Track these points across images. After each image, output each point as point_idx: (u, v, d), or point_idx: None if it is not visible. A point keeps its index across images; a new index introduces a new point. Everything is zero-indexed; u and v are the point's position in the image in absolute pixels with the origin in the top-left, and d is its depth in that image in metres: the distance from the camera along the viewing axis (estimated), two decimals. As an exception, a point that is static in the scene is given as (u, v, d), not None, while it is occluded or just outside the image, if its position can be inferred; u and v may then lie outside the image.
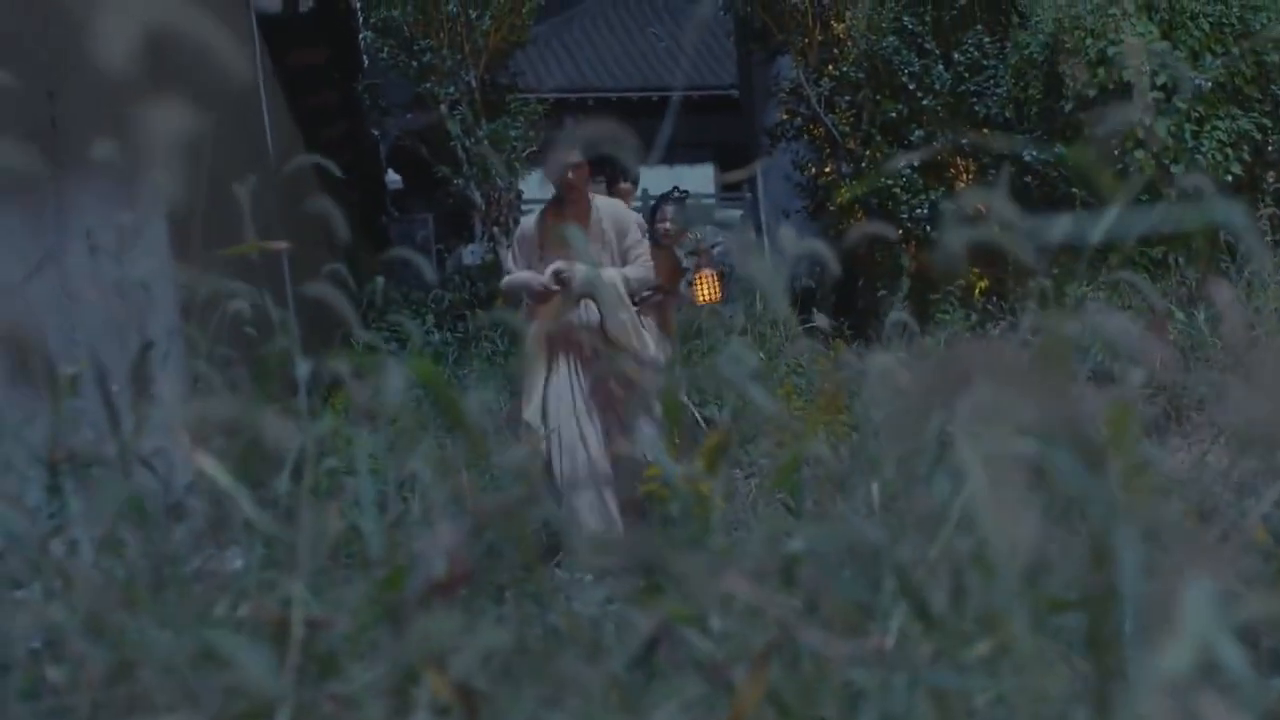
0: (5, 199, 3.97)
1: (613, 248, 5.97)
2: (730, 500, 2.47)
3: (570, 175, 5.82)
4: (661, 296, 6.91)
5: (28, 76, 3.95)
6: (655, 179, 28.46)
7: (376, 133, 14.55)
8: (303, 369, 2.30)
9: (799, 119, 13.29)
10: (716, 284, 8.18)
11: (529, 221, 6.06)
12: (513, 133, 13.19)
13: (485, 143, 12.93)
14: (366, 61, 12.26)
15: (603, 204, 6.07)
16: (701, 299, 8.17)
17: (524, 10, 13.92)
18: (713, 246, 26.07)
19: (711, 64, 28.77)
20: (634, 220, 6.14)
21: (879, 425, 1.60)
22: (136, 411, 2.25)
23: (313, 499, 1.64)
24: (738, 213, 26.90)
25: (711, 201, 30.88)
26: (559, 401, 5.72)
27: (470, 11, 13.25)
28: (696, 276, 7.95)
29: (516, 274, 5.95)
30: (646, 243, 6.14)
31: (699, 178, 30.17)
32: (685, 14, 31.05)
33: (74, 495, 2.06)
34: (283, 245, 2.68)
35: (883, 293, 10.72)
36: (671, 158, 27.13)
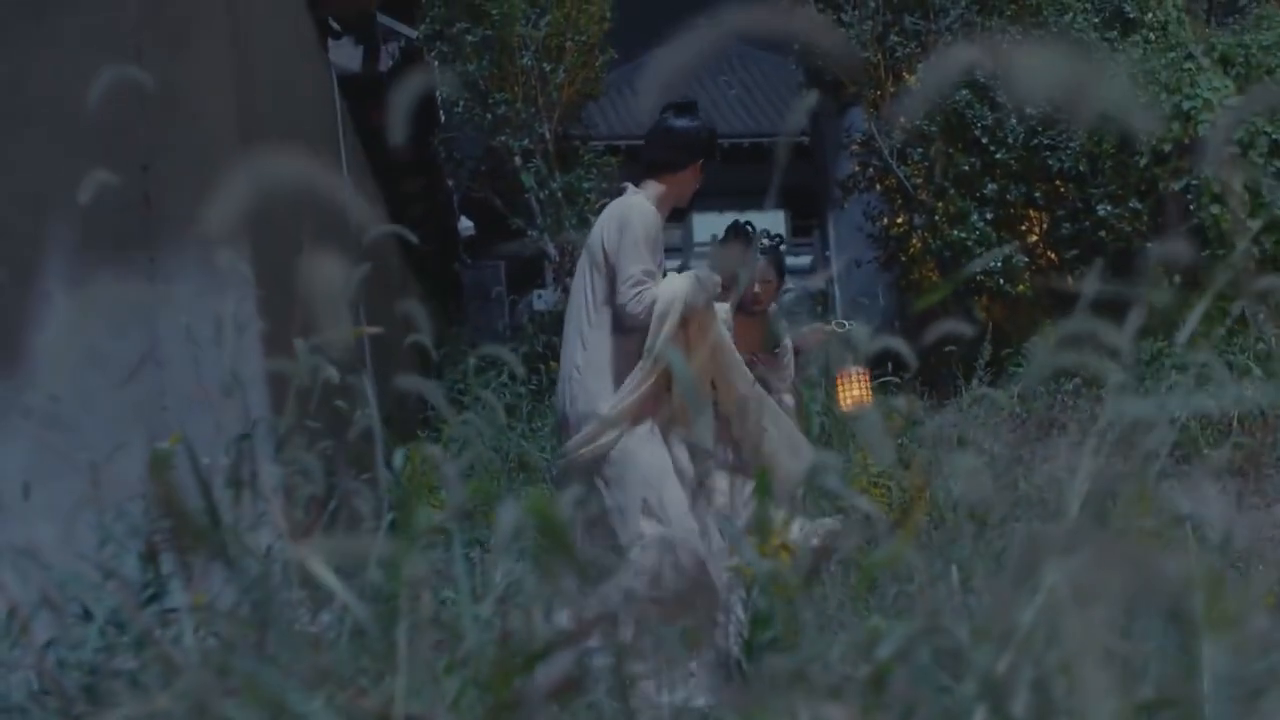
0: (101, 267, 4.08)
1: None
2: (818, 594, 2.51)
3: (758, 289, 5.46)
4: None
5: (123, 152, 4.08)
6: (719, 225, 28.60)
7: (450, 182, 14.73)
8: (397, 459, 2.37)
9: (870, 170, 13.33)
10: (865, 383, 6.64)
11: (649, 208, 4.51)
12: (585, 185, 13.32)
13: (559, 194, 13.06)
14: (443, 117, 12.43)
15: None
16: (847, 403, 6.64)
17: (596, 64, 14.11)
18: (784, 294, 26.10)
19: (782, 110, 28.86)
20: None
21: (962, 531, 1.63)
22: (231, 491, 2.34)
23: (410, 592, 1.69)
24: (808, 258, 26.92)
25: (784, 248, 30.97)
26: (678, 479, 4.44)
27: (544, 65, 13.41)
28: (840, 377, 6.59)
29: (677, 280, 4.48)
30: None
31: (769, 223, 30.25)
32: (756, 61, 31.24)
33: (173, 573, 2.14)
34: (377, 330, 2.77)
35: (950, 348, 10.72)
36: (741, 203, 27.22)
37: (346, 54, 7.99)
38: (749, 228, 5.89)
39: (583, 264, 4.54)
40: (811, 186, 20.20)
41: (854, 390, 6.64)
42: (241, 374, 3.76)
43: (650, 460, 4.21)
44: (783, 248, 5.99)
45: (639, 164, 4.73)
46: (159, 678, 1.98)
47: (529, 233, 13.43)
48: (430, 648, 1.68)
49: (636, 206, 4.49)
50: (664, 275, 4.51)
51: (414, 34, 8.24)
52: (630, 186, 4.65)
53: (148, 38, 4.18)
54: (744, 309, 5.38)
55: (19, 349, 4.03)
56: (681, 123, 4.71)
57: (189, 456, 2.54)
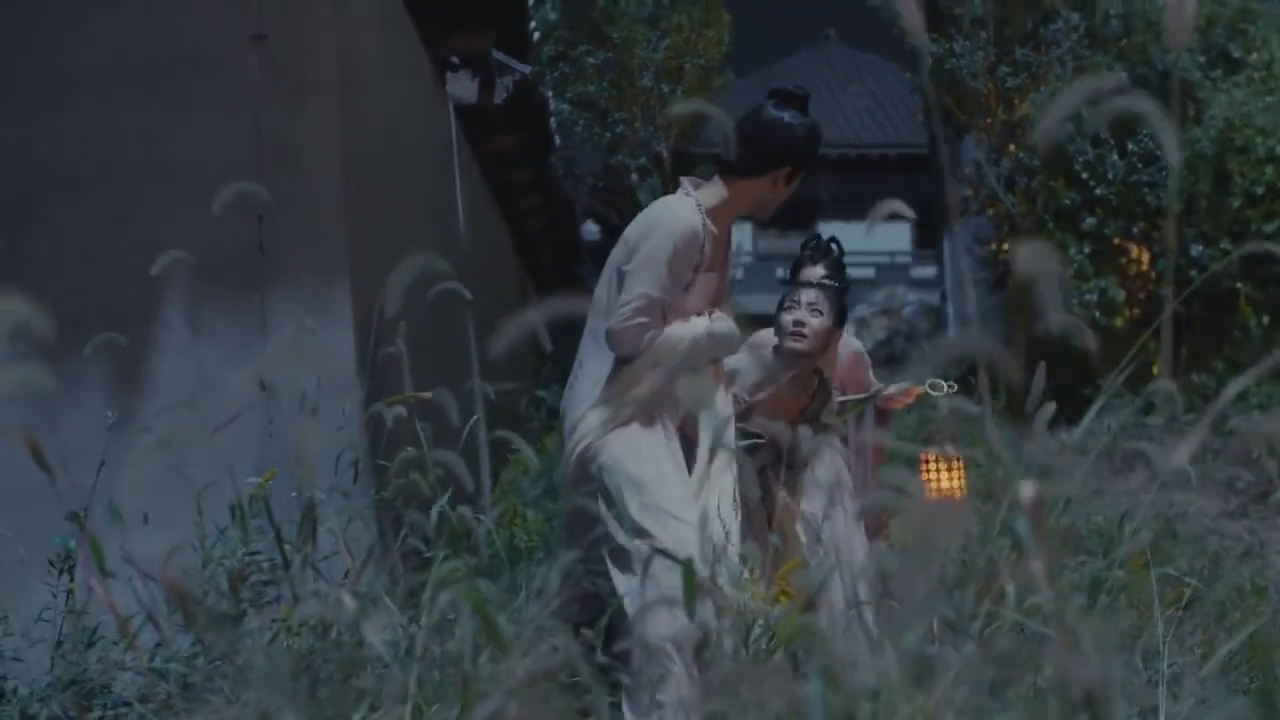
0: (218, 305, 4.55)
1: None
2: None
3: (794, 319, 4.55)
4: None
5: (240, 201, 4.54)
6: (848, 234, 28.79)
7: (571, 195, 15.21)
8: (486, 526, 2.74)
9: (980, 195, 13.55)
10: (959, 472, 5.36)
11: (694, 219, 3.77)
12: (697, 205, 13.68)
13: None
14: (558, 141, 12.90)
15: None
16: (935, 491, 5.30)
17: (714, 85, 14.51)
18: (903, 307, 25.94)
19: (909, 122, 28.92)
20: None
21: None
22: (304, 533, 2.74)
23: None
24: (933, 270, 26.92)
25: (908, 259, 31.05)
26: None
27: (663, 86, 13.82)
28: (923, 459, 5.34)
29: (689, 329, 3.85)
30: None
31: (895, 236, 30.35)
32: (883, 73, 31.35)
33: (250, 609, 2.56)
34: (427, 395, 3.12)
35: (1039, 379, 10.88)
36: (861, 214, 27.33)
37: (463, 86, 8.46)
38: (834, 245, 5.19)
39: (611, 258, 3.87)
40: (934, 201, 20.38)
41: (944, 479, 5.30)
42: (343, 404, 4.22)
43: (638, 463, 3.68)
44: (838, 281, 4.91)
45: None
46: (233, 689, 2.38)
47: (644, 248, 13.82)
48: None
49: (672, 210, 3.77)
50: (731, 292, 4.12)
51: (526, 69, 8.71)
52: (685, 184, 3.87)
53: (266, 98, 4.64)
54: (783, 347, 4.60)
55: (143, 379, 4.52)
56: (777, 115, 3.90)
57: (258, 500, 2.98)
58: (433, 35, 7.37)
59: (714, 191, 3.86)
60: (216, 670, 2.46)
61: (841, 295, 4.77)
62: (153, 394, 4.47)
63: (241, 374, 3.89)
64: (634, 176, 13.87)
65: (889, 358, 17.53)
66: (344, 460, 3.36)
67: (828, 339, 4.61)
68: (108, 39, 4.61)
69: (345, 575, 2.73)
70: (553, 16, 14.10)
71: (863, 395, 5.11)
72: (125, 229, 4.49)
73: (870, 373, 5.27)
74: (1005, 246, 13.13)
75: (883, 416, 5.32)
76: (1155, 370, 10.68)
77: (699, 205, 3.79)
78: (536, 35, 13.46)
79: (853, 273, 17.74)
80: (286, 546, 2.58)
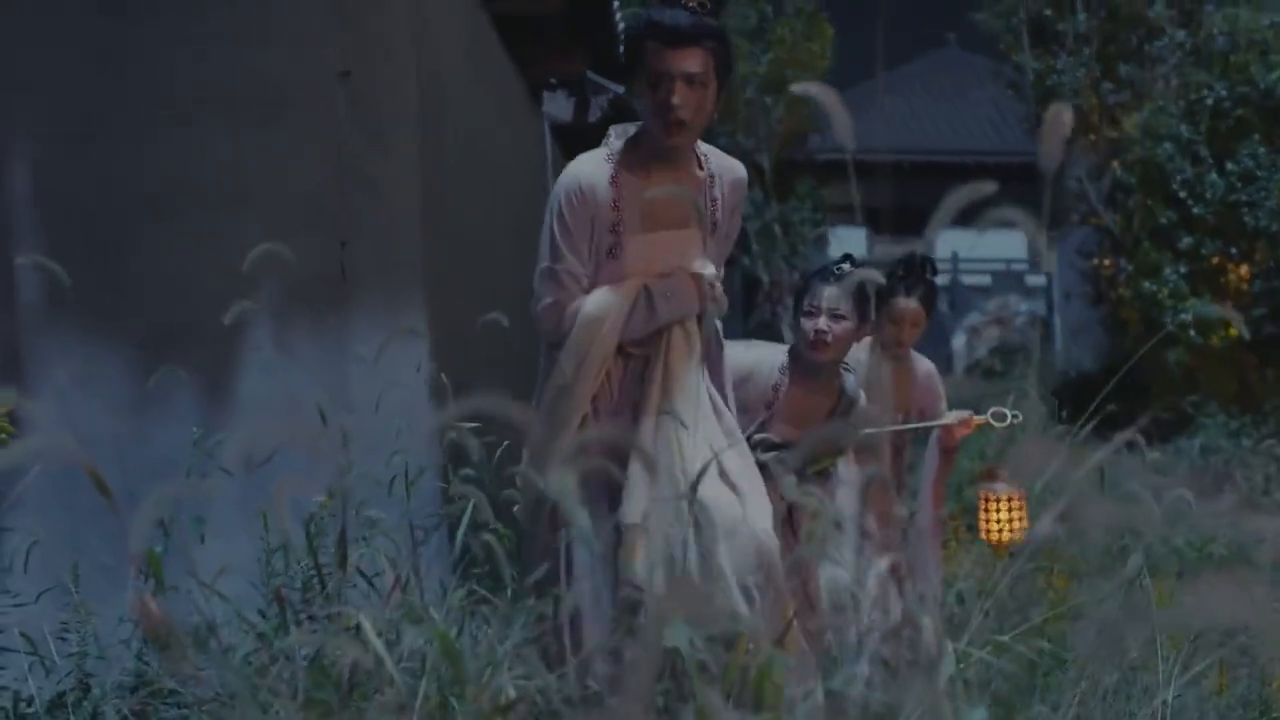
0: (302, 327, 4.81)
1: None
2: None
3: (822, 324, 4.21)
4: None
5: (324, 229, 4.81)
6: (963, 241, 28.62)
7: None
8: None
9: (1082, 209, 13.54)
10: (1021, 512, 4.96)
11: (589, 172, 3.37)
12: (797, 217, 13.87)
13: (774, 224, 13.64)
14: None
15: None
16: (996, 536, 4.96)
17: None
18: (1015, 316, 25.74)
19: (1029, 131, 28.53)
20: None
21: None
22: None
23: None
24: (1043, 281, 26.69)
25: (1023, 267, 30.80)
26: None
27: (766, 99, 13.98)
28: (983, 497, 5.00)
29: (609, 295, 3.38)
30: None
31: (1011, 243, 30.10)
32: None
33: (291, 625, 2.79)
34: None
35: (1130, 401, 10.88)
36: (980, 221, 27.12)
37: (560, 106, 8.71)
38: (927, 264, 4.85)
39: None
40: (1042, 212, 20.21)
41: (1005, 521, 4.98)
42: (414, 423, 4.46)
43: None
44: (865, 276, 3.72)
45: None
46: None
47: (743, 259, 14.12)
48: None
49: (568, 168, 3.43)
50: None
51: (620, 88, 8.93)
52: (611, 131, 3.51)
53: (350, 131, 4.90)
54: (801, 364, 4.30)
55: (230, 396, 4.80)
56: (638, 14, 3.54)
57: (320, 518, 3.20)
58: (527, 58, 7.62)
59: (623, 131, 3.44)
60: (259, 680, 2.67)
61: (863, 287, 4.10)
62: (238, 410, 4.74)
63: (321, 392, 4.08)
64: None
65: (991, 370, 17.47)
66: (417, 480, 3.60)
67: (853, 340, 4.30)
68: (201, 73, 4.89)
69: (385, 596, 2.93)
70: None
71: (920, 424, 4.90)
72: (214, 254, 4.75)
73: (943, 402, 5.02)
74: (1107, 263, 13.11)
75: (948, 453, 5.09)
76: (1248, 391, 10.64)
77: (610, 155, 3.36)
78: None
79: (968, 279, 17.77)
80: (327, 565, 2.80)
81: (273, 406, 4.69)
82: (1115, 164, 12.81)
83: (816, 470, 3.99)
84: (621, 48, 3.51)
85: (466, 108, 6.10)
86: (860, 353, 4.75)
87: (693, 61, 3.19)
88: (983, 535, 5.06)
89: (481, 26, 6.73)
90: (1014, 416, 4.81)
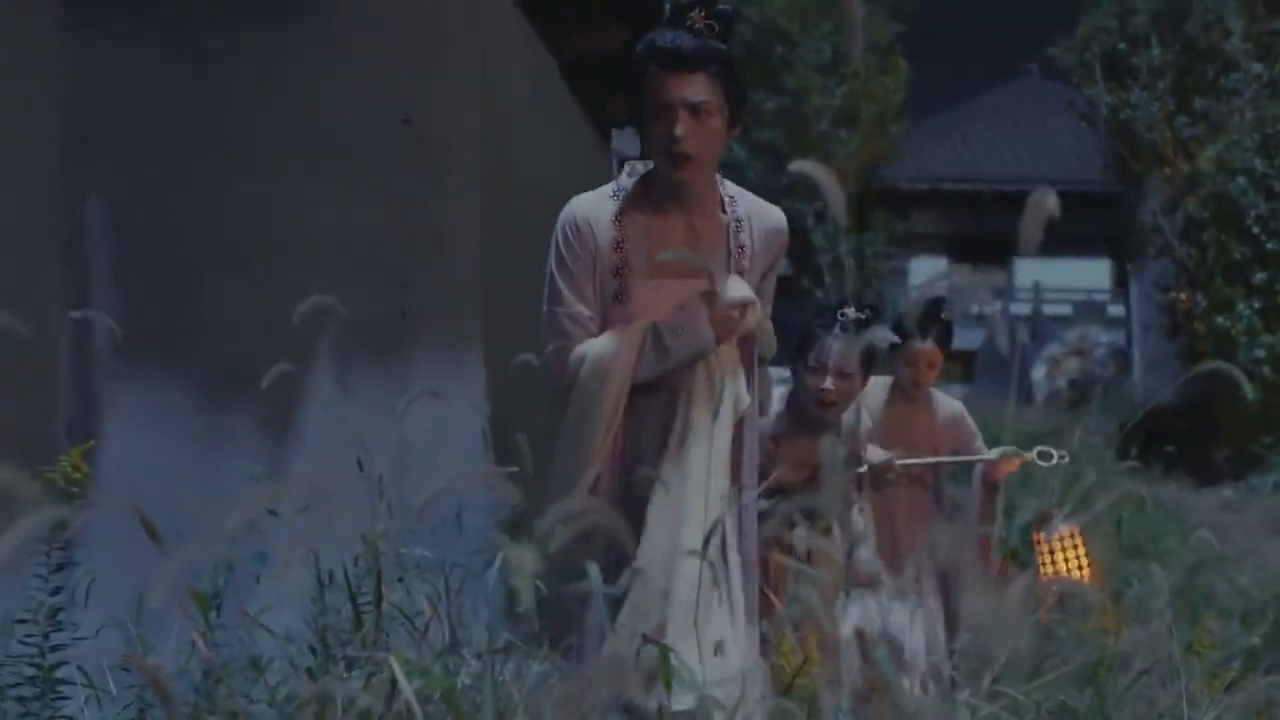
0: (360, 366, 4.95)
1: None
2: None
3: (828, 384, 4.05)
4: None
5: (386, 273, 4.96)
6: (1045, 270, 28.41)
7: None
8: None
9: (1159, 241, 13.48)
10: (1081, 550, 4.68)
11: (588, 209, 3.13)
12: (869, 249, 13.94)
13: (848, 257, 13.71)
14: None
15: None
16: (1050, 570, 4.65)
17: (890, 132, 14.72)
18: (1095, 348, 25.56)
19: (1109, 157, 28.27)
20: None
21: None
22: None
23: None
24: (1120, 312, 26.41)
25: (1105, 297, 30.51)
26: None
27: (841, 131, 14.06)
28: (1037, 542, 4.71)
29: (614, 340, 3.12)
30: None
31: (1093, 272, 29.84)
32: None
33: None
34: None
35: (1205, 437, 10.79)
36: (1060, 249, 27.01)
37: (627, 142, 8.86)
38: (941, 304, 4.79)
39: None
40: (1120, 242, 20.10)
41: (1063, 560, 4.67)
42: (470, 462, 4.58)
43: None
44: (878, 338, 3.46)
45: None
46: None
47: (815, 292, 14.21)
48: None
49: (568, 205, 3.18)
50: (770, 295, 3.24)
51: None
52: (626, 167, 3.24)
53: (411, 179, 5.05)
54: (799, 411, 4.16)
55: (293, 433, 4.95)
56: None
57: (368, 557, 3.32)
58: (594, 98, 7.77)
59: (634, 170, 3.17)
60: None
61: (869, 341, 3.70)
62: (300, 448, 4.89)
63: (380, 432, 4.19)
64: (809, 220, 14.12)
65: (1068, 402, 17.35)
66: (461, 519, 3.71)
67: (855, 396, 4.15)
68: (273, 121, 5.06)
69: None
70: (731, 64, 14.44)
71: (957, 458, 4.81)
72: (281, 297, 4.89)
73: (978, 440, 4.87)
74: (1184, 297, 13.03)
75: (990, 489, 4.84)
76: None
77: (616, 192, 3.11)
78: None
79: (1049, 309, 17.62)
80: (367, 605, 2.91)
81: (333, 445, 4.84)
82: (1189, 199, 12.75)
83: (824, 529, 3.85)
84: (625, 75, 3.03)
85: (531, 149, 6.25)
86: (878, 393, 4.76)
87: (696, 88, 2.88)
88: (1043, 570, 4.64)
89: (547, 68, 6.88)
90: (1060, 456, 4.61)
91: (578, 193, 7.67)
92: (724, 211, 3.08)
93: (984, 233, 27.85)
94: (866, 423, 4.64)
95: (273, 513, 2.54)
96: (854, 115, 14.10)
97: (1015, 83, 34.91)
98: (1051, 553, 4.64)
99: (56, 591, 3.46)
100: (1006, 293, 28.30)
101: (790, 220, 10.72)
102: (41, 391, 4.94)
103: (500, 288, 5.40)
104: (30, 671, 3.44)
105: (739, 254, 3.08)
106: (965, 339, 25.64)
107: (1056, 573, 4.66)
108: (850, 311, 4.12)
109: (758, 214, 3.15)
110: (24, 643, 3.45)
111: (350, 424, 5.05)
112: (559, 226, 3.13)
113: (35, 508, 3.48)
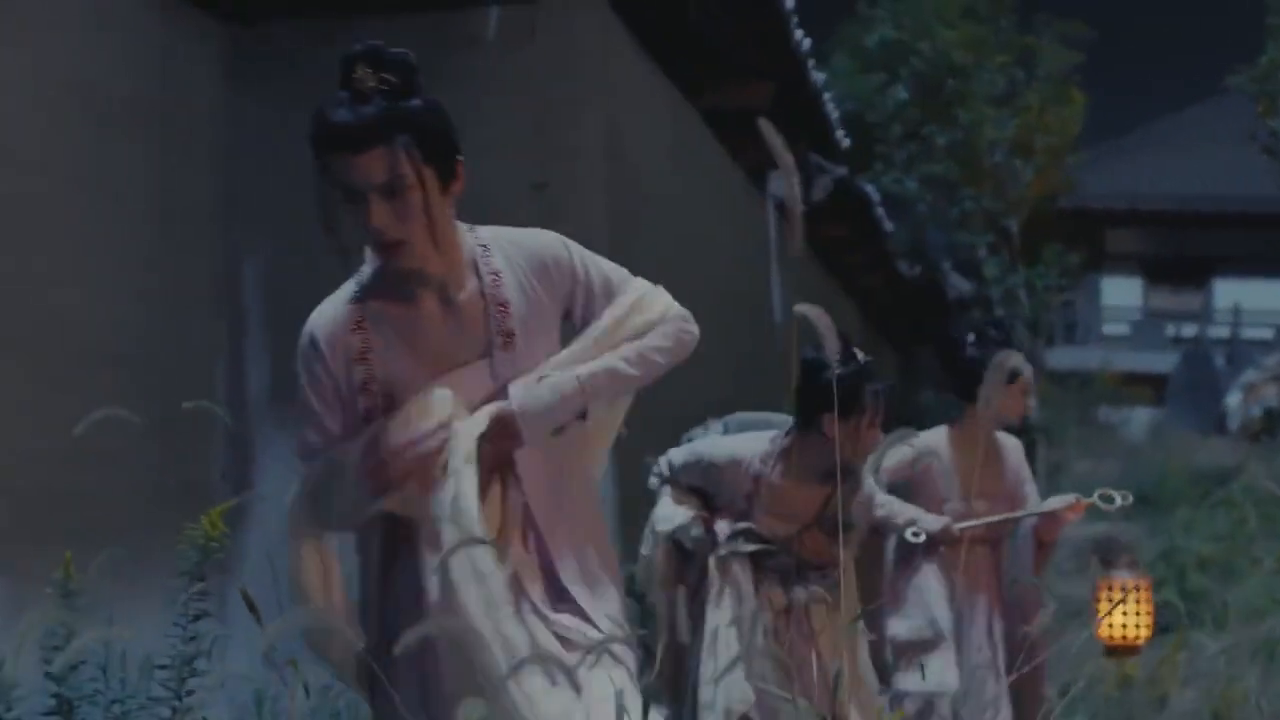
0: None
1: None
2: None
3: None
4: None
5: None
6: (1249, 292, 27.46)
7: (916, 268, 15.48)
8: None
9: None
10: (1146, 603, 4.44)
11: (324, 323, 2.53)
12: (1041, 282, 13.80)
13: (1019, 289, 13.62)
14: (890, 226, 13.24)
15: None
16: (1118, 635, 4.46)
17: (1065, 163, 14.56)
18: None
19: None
20: None
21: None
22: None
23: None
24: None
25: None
26: None
27: (1016, 162, 13.96)
28: (1101, 586, 4.56)
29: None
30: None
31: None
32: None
33: None
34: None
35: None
36: (1263, 270, 26.13)
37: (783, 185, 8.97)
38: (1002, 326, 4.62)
39: None
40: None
41: (1129, 617, 4.38)
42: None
43: None
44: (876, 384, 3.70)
45: None
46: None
47: (989, 331, 14.14)
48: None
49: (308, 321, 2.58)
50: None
51: (842, 170, 9.18)
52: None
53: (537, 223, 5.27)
54: (804, 461, 3.78)
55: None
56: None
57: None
58: (743, 147, 7.91)
59: None
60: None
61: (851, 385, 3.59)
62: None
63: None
64: (981, 252, 14.05)
65: (1260, 432, 16.84)
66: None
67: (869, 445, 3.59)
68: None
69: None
70: (903, 96, 14.47)
71: (1020, 514, 4.51)
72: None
73: (1030, 484, 4.62)
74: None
75: (1045, 546, 4.61)
76: None
77: (357, 291, 2.53)
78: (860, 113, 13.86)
79: (1249, 333, 17.05)
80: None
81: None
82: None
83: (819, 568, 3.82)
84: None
85: (667, 204, 6.42)
86: (940, 442, 4.51)
87: (378, 168, 2.32)
88: (1100, 633, 4.36)
89: (691, 121, 7.04)
90: (1123, 498, 4.38)
91: (723, 241, 7.81)
92: (476, 274, 2.49)
93: (1182, 254, 27.12)
94: (941, 469, 4.45)
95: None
96: (1028, 147, 13.96)
97: (1214, 100, 33.95)
98: (1111, 602, 4.40)
99: (193, 639, 3.72)
100: (1204, 315, 27.52)
101: (964, 252, 10.61)
102: (200, 440, 5.27)
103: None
104: (167, 714, 3.72)
105: (501, 316, 2.46)
106: (1158, 362, 24.88)
107: (1112, 636, 4.43)
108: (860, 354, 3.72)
109: (517, 254, 2.55)
110: (164, 686, 3.72)
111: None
112: (300, 345, 2.55)
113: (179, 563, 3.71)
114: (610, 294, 2.53)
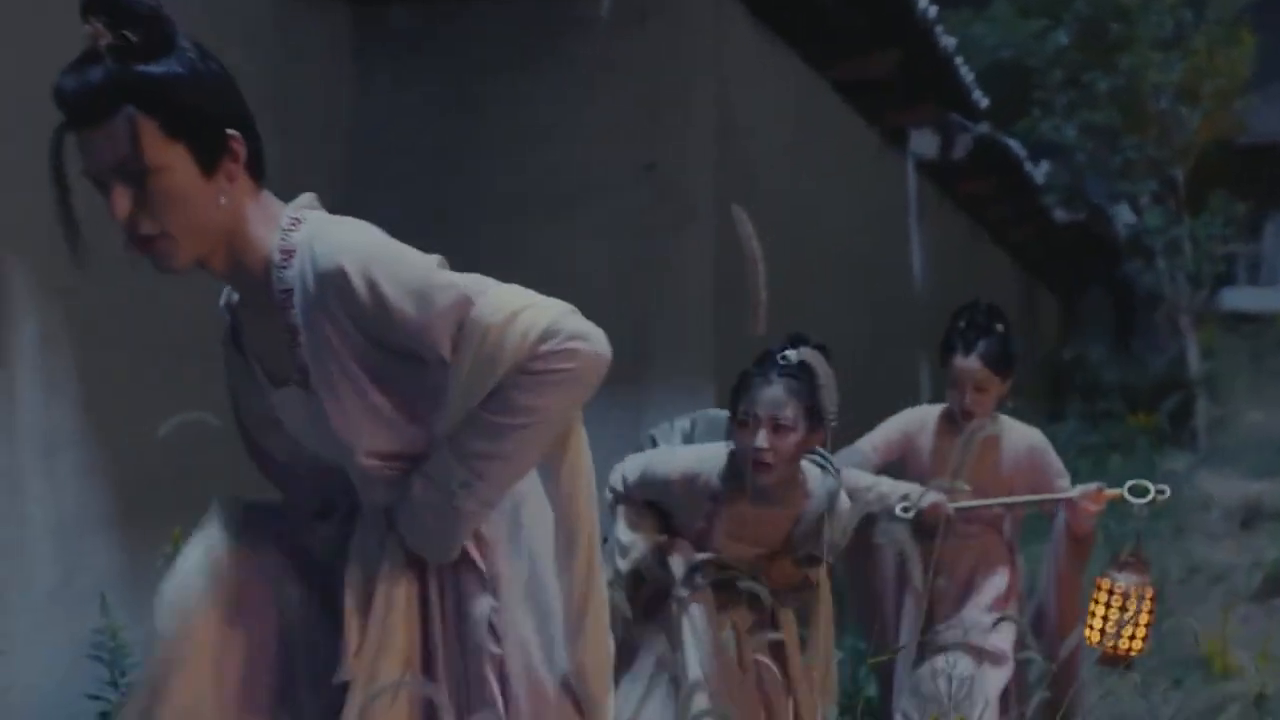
0: (596, 399, 5.26)
1: None
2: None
3: (761, 442, 3.19)
4: None
5: (625, 313, 5.24)
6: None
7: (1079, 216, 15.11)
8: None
9: None
10: (1150, 615, 3.86)
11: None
12: (1207, 232, 13.37)
13: (1183, 240, 13.24)
14: (1041, 178, 12.95)
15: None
16: (1109, 642, 3.83)
17: (1234, 106, 14.02)
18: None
19: None
20: None
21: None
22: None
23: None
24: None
25: None
26: None
27: (1182, 108, 13.51)
28: (1099, 586, 3.91)
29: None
30: None
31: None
32: None
33: None
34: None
35: None
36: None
37: (926, 142, 8.89)
38: (993, 313, 4.18)
39: None
40: None
41: (1116, 616, 3.81)
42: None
43: None
44: (808, 357, 3.13)
45: None
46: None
47: (1144, 276, 13.79)
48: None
49: None
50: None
51: (982, 128, 9.05)
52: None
53: (651, 222, 5.32)
54: (742, 477, 3.25)
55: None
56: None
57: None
58: (878, 109, 7.84)
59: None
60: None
61: (814, 390, 3.14)
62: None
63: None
64: (1144, 200, 13.68)
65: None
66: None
67: (804, 449, 3.27)
68: (523, 168, 5.42)
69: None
70: (1063, 41, 14.09)
71: (1025, 499, 4.15)
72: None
73: (1064, 480, 4.18)
74: None
75: (1079, 542, 4.16)
76: None
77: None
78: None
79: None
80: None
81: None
82: None
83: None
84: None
85: (790, 177, 6.41)
86: (925, 422, 4.25)
87: (111, 148, 1.87)
88: (1088, 636, 3.80)
89: (819, 92, 7.00)
90: (1159, 491, 3.90)
91: (862, 204, 7.78)
92: (277, 289, 2.04)
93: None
94: (924, 445, 4.21)
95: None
96: (1195, 92, 13.50)
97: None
98: (1109, 606, 3.81)
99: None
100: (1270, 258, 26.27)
101: (1128, 200, 10.27)
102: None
103: (737, 320, 5.61)
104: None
105: (294, 344, 2.05)
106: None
107: (1103, 644, 3.83)
108: (792, 354, 3.23)
109: (310, 269, 2.01)
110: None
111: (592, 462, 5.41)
112: None
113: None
114: (429, 316, 2.02)
